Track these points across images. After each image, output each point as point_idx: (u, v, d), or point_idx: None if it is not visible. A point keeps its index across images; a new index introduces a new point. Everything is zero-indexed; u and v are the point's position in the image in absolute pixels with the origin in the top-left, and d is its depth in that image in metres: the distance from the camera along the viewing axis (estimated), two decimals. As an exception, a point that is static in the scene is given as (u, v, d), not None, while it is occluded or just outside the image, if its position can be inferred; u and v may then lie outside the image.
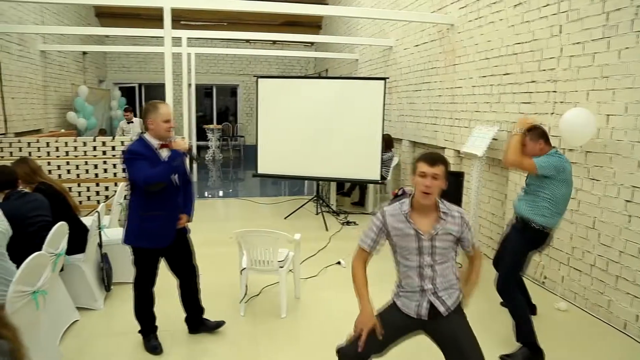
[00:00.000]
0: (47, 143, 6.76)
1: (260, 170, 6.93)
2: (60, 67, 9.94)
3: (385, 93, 6.43)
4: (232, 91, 16.02)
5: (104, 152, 7.03)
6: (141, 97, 15.15)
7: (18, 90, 7.78)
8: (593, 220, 3.85)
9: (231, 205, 8.04)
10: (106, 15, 12.90)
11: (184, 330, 3.41)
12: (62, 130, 9.15)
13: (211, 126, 13.93)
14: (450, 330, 2.24)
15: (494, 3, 5.05)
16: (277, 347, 3.29)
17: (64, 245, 3.22)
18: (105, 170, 7.00)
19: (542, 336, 3.43)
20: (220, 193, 9.41)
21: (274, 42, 13.84)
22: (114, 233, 4.38)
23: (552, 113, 4.23)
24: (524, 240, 3.23)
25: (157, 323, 3.25)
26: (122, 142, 7.23)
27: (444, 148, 6.21)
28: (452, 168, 5.81)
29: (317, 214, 6.93)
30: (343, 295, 4.09)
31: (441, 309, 2.24)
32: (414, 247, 2.26)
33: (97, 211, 3.89)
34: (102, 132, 10.20)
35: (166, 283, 4.37)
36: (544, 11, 4.30)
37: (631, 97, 3.45)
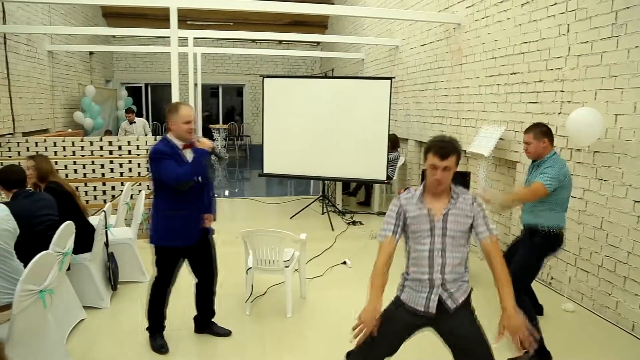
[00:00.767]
0: (54, 143, 6.80)
1: (266, 170, 6.94)
2: (68, 67, 10.00)
3: (391, 93, 6.42)
4: (238, 91, 16.04)
5: (111, 152, 7.07)
6: (148, 97, 15.22)
7: (26, 90, 7.84)
8: (601, 220, 3.82)
9: (237, 205, 8.05)
10: (113, 16, 12.96)
11: (189, 329, 3.42)
12: (69, 130, 9.22)
13: (217, 126, 13.94)
14: (459, 328, 2.21)
15: (501, 2, 5.03)
16: (283, 346, 3.29)
17: (70, 244, 3.23)
18: (112, 170, 7.03)
19: (548, 337, 3.41)
20: (227, 192, 9.43)
21: (280, 41, 13.85)
22: (120, 232, 4.41)
23: (560, 113, 4.20)
24: (534, 246, 3.20)
25: (166, 321, 3.26)
26: (129, 142, 7.26)
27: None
28: (459, 168, 5.77)
29: (323, 213, 6.93)
30: (349, 295, 4.09)
31: (448, 302, 2.20)
32: (427, 227, 2.23)
33: (103, 211, 3.91)
34: (107, 134, 10.25)
35: (179, 282, 4.39)
36: (552, 10, 4.26)
37: (640, 97, 3.42)
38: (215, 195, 3.35)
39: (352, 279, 4.60)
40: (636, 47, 3.43)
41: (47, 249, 2.77)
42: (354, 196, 8.33)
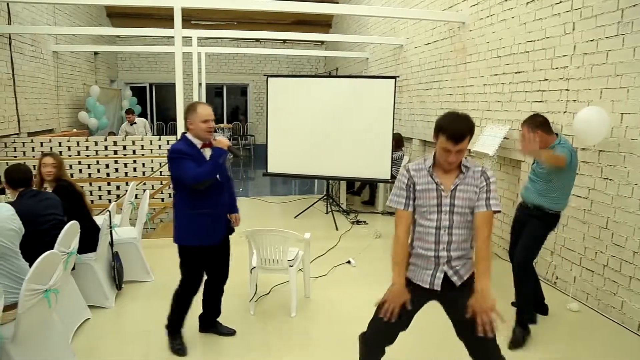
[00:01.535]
0: (60, 143, 6.84)
1: (270, 169, 6.94)
2: (72, 68, 10.05)
3: (395, 92, 6.40)
4: (243, 90, 16.07)
5: (115, 152, 7.10)
6: (152, 96, 15.27)
7: (31, 91, 7.88)
8: (606, 220, 3.80)
9: (241, 204, 7.99)
10: (117, 16, 13.01)
11: (194, 328, 3.42)
12: (74, 130, 9.26)
13: (221, 125, 14.01)
14: (464, 303, 2.15)
15: (506, 1, 5.00)
16: (287, 345, 3.29)
17: (75, 244, 3.25)
18: (117, 170, 7.06)
19: (553, 336, 3.41)
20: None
21: (284, 41, 13.86)
22: (125, 232, 4.42)
23: (565, 112, 4.18)
24: (543, 224, 3.40)
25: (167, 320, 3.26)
26: (133, 142, 7.29)
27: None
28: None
29: (327, 213, 6.93)
30: (353, 294, 4.09)
31: (454, 279, 2.19)
32: (434, 203, 2.18)
33: (108, 210, 3.93)
34: (111, 135, 10.29)
35: (176, 281, 4.40)
36: (557, 8, 4.24)
37: (646, 95, 3.40)
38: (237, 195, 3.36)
39: (357, 278, 4.60)
40: (642, 45, 3.41)
41: (51, 248, 2.78)
42: (358, 195, 8.33)
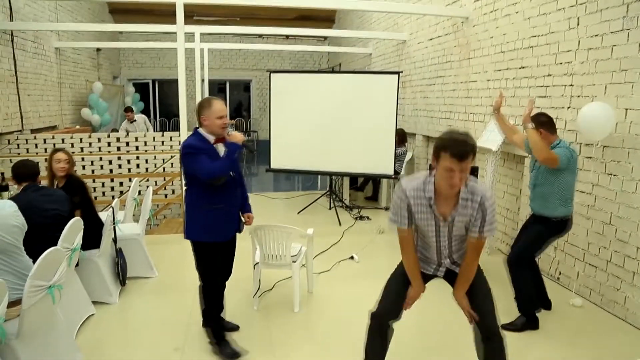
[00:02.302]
0: (62, 139, 6.85)
1: (273, 165, 6.94)
2: (75, 64, 10.06)
3: (398, 87, 6.38)
4: (245, 86, 16.06)
5: (118, 148, 7.11)
6: (155, 93, 15.27)
7: (34, 87, 7.89)
8: (609, 215, 3.78)
9: (244, 200, 8.06)
10: (119, 12, 13.00)
11: (197, 324, 3.43)
12: (77, 127, 9.28)
13: (232, 121, 14.00)
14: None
15: (509, -5, 4.97)
16: (291, 341, 3.30)
17: (79, 240, 3.26)
18: (120, 166, 7.08)
19: (557, 332, 3.42)
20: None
21: (287, 36, 13.82)
22: (129, 228, 4.44)
23: (569, 107, 4.16)
24: (546, 229, 3.40)
25: (172, 314, 3.25)
26: (136, 138, 7.30)
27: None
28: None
29: (330, 208, 6.93)
30: (356, 290, 4.10)
31: (457, 270, 2.40)
32: (433, 229, 2.27)
33: (111, 207, 3.94)
34: (114, 132, 10.31)
35: (182, 276, 4.42)
36: (561, 3, 4.21)
37: (651, 91, 3.37)
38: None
39: (360, 273, 4.60)
40: (647, 40, 3.38)
41: (52, 244, 2.79)
42: (362, 191, 8.33)
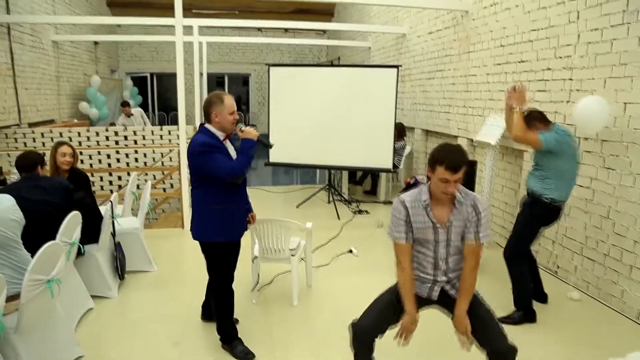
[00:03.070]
0: (60, 133, 6.84)
1: (272, 159, 6.93)
2: (73, 58, 10.01)
3: (398, 81, 6.37)
4: (244, 80, 16.01)
5: (117, 142, 7.10)
6: (153, 86, 15.22)
7: (31, 81, 7.86)
8: (608, 209, 3.79)
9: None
10: (117, 5, 12.93)
11: (196, 317, 3.45)
12: (75, 121, 9.25)
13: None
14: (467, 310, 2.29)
15: (509, -12, 4.95)
16: (289, 334, 3.31)
17: (77, 234, 3.25)
18: (118, 160, 7.07)
19: (554, 325, 3.44)
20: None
21: (286, 30, 13.79)
22: (127, 222, 4.43)
23: (568, 101, 4.16)
24: (533, 214, 3.39)
25: (171, 309, 3.24)
26: (135, 132, 7.29)
27: (457, 137, 6.15)
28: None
29: (329, 202, 6.93)
30: (355, 284, 4.11)
31: (452, 292, 2.35)
32: (431, 239, 2.31)
33: (110, 201, 3.93)
34: (112, 126, 10.30)
35: (181, 270, 4.42)
36: (561, -4, 4.20)
37: (650, 85, 3.37)
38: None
39: (358, 267, 4.61)
40: (647, 33, 3.37)
41: (39, 235, 2.78)
42: (360, 185, 8.33)
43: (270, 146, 3.05)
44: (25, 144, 6.71)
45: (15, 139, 6.73)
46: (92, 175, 6.88)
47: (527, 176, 3.53)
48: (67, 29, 9.69)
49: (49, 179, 3.43)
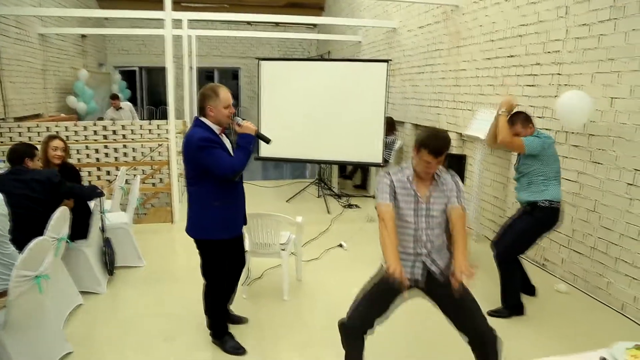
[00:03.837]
0: (47, 128, 6.76)
1: (262, 154, 6.91)
2: (60, 51, 9.87)
3: (388, 75, 6.37)
4: (234, 74, 15.91)
5: (105, 137, 7.03)
6: (142, 80, 15.06)
7: (17, 75, 7.73)
8: (594, 203, 3.84)
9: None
10: (105, -3, 12.74)
11: (186, 312, 3.44)
12: (62, 115, 9.13)
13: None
14: (450, 295, 2.28)
15: (499, -17, 4.96)
16: (280, 328, 3.32)
17: (65, 230, 3.22)
18: (107, 155, 7.00)
19: (542, 317, 3.48)
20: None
21: (276, 24, 13.70)
22: (116, 217, 4.40)
23: (556, 96, 4.18)
24: (534, 220, 3.38)
25: (161, 303, 3.23)
26: (123, 127, 7.23)
27: (447, 131, 6.16)
28: (455, 151, 5.78)
29: (319, 197, 6.94)
30: (345, 277, 4.12)
31: (433, 268, 2.39)
32: (412, 208, 2.39)
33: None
34: (100, 120, 10.18)
35: (170, 265, 4.41)
36: (550, -9, 4.22)
37: (637, 80, 3.41)
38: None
39: (348, 261, 4.63)
40: (634, 29, 3.41)
41: (21, 230, 2.75)
42: (350, 179, 8.35)
43: (268, 141, 2.91)
44: (11, 138, 6.62)
45: (1, 133, 6.64)
46: (80, 170, 6.80)
47: (516, 190, 3.54)
48: (54, 21, 9.54)
49: (34, 172, 3.35)
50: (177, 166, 5.85)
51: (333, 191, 7.28)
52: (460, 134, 5.82)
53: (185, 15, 8.33)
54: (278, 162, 9.61)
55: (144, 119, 11.62)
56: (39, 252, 2.57)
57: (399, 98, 7.90)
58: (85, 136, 6.92)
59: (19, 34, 7.88)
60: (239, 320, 3.33)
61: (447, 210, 2.39)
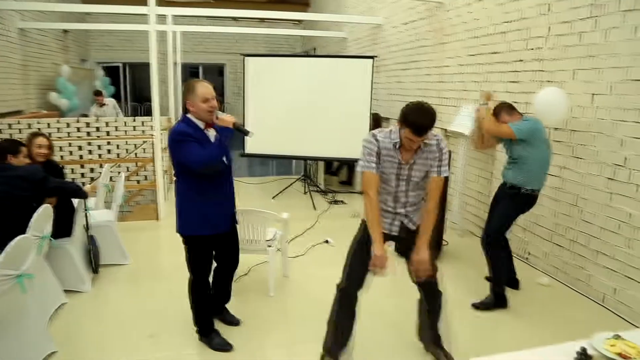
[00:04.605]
0: (29, 124, 6.65)
1: (248, 150, 6.90)
2: (41, 46, 9.68)
3: (373, 72, 6.40)
4: (220, 70, 15.80)
5: (88, 134, 6.94)
6: (126, 76, 14.87)
7: (-4, 70, 7.58)
8: (576, 197, 3.91)
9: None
10: (87, -8, 12.53)
11: (172, 310, 3.42)
12: (44, 112, 8.98)
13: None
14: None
15: (482, -20, 5.01)
16: (266, 325, 3.33)
17: (49, 228, 3.18)
18: (90, 152, 6.92)
19: (524, 310, 3.55)
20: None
21: (262, 19, 13.63)
22: (101, 215, 4.36)
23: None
24: (514, 204, 3.52)
25: (146, 301, 3.20)
26: (107, 123, 7.14)
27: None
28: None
29: (305, 193, 6.95)
30: (331, 273, 4.11)
31: (410, 225, 2.58)
32: (394, 172, 2.48)
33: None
34: (84, 117, 10.03)
35: (156, 263, 4.38)
36: (532, -11, 4.27)
37: (616, 77, 3.48)
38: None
39: (334, 257, 4.61)
40: (613, 27, 3.47)
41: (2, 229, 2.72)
42: (336, 175, 8.36)
43: (247, 133, 2.85)
44: (-9, 135, 6.50)
45: (-19, 131, 6.51)
46: (63, 167, 6.71)
47: (504, 170, 3.60)
48: (34, 16, 9.36)
49: (17, 168, 3.31)
50: (162, 163, 5.80)
51: (319, 187, 7.30)
52: (445, 130, 5.87)
53: (169, 11, 8.23)
54: (264, 158, 9.58)
55: (128, 116, 11.49)
56: (21, 251, 2.54)
57: (384, 94, 7.93)
58: (68, 133, 6.82)
59: (-3, 28, 7.72)
60: (231, 322, 3.30)
61: (429, 180, 2.49)
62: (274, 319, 3.43)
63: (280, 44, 15.23)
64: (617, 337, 1.81)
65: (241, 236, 3.63)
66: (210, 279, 3.09)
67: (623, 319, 3.45)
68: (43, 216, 3.06)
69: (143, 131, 7.20)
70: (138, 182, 7.14)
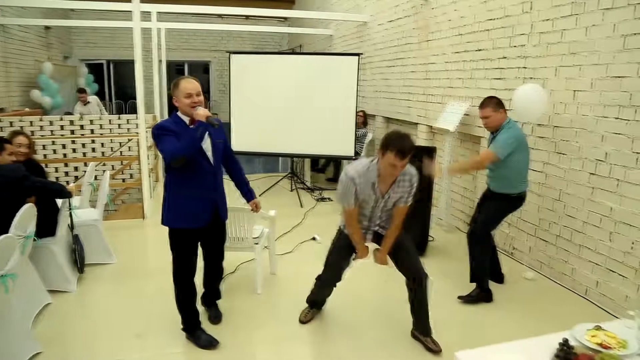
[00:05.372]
0: (11, 123, 6.54)
1: (234, 148, 6.82)
2: (22, 43, 9.52)
3: (359, 69, 6.42)
4: (205, 68, 15.69)
5: (72, 132, 6.85)
6: (110, 74, 14.70)
7: (-23, 67, 7.44)
8: (559, 192, 3.98)
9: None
10: (70, -12, 12.33)
11: (158, 308, 3.40)
12: (26, 109, 8.83)
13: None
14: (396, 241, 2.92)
15: (467, -22, 5.05)
16: (254, 322, 3.33)
17: (32, 227, 3.14)
18: (74, 150, 6.83)
19: (509, 304, 3.60)
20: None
21: (247, 17, 13.56)
22: (86, 214, 4.31)
23: (522, 89, 4.30)
24: (506, 205, 3.61)
25: (132, 300, 3.18)
26: (91, 121, 7.05)
27: (417, 124, 6.26)
28: (425, 143, 5.88)
29: (292, 190, 6.95)
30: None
31: (382, 231, 2.99)
32: (371, 204, 2.85)
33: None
34: (67, 115, 9.89)
35: (142, 262, 4.34)
36: (515, -14, 4.32)
37: (597, 74, 3.54)
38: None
39: (322, 254, 4.59)
40: (594, 25, 3.53)
41: None
42: (323, 172, 8.38)
43: (214, 125, 2.76)
44: (-28, 134, 6.37)
45: (-39, 129, 6.38)
46: (47, 166, 6.62)
47: (488, 177, 3.63)
48: (15, 11, 9.19)
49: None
50: (147, 161, 5.75)
51: (306, 185, 7.30)
52: (431, 127, 5.91)
53: (154, 8, 8.15)
54: (250, 156, 9.55)
55: (112, 114, 11.36)
56: (4, 251, 2.50)
57: (370, 91, 7.96)
58: (52, 131, 6.72)
59: (-23, 25, 7.57)
60: (216, 317, 3.31)
61: (395, 208, 2.89)
62: (261, 316, 3.43)
63: (267, 42, 15.19)
64: (598, 327, 1.86)
65: (228, 234, 3.63)
66: (202, 279, 3.10)
67: (606, 311, 3.52)
68: (26, 215, 3.02)
69: (128, 129, 7.13)
70: (123, 180, 7.07)
